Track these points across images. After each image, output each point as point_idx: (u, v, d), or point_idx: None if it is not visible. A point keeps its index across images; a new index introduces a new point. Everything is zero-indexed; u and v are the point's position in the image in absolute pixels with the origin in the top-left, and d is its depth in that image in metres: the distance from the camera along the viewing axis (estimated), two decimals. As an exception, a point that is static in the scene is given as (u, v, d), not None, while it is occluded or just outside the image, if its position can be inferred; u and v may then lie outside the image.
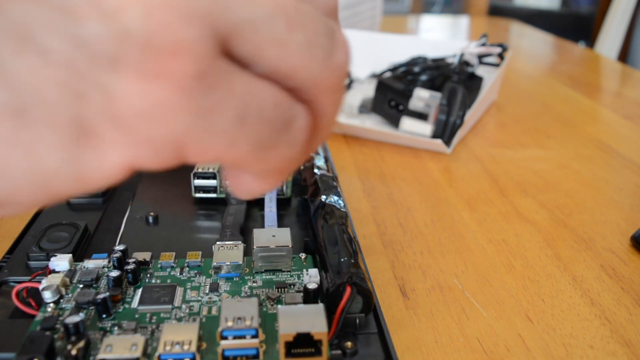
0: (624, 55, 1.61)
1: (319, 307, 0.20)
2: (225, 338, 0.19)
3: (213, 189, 0.31)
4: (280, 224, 0.28)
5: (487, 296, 0.27)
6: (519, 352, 0.23)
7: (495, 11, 2.05)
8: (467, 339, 0.24)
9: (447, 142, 0.43)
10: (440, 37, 1.02)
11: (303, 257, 0.25)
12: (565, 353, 0.23)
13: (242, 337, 0.19)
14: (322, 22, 0.15)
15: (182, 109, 0.12)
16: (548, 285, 0.28)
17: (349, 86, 0.57)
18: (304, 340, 0.19)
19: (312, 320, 0.19)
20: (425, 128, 0.43)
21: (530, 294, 0.27)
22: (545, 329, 0.25)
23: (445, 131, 0.43)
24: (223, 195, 0.31)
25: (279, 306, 0.22)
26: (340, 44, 0.15)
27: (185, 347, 0.19)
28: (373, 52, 0.61)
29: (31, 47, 0.12)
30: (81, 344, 0.19)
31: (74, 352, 0.19)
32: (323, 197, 0.28)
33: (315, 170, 0.31)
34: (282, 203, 0.31)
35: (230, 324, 0.19)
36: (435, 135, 0.43)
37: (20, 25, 0.12)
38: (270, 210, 0.29)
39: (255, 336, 0.19)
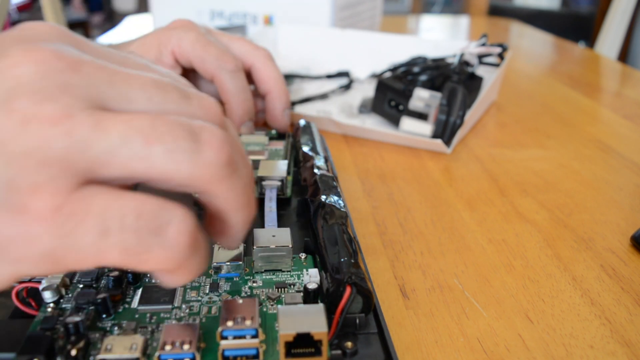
0: (624, 55, 1.62)
1: (319, 307, 0.20)
2: (225, 338, 0.19)
3: None
4: (280, 224, 0.28)
5: (487, 296, 0.27)
6: (519, 352, 0.23)
7: (495, 11, 2.05)
8: (467, 339, 0.24)
9: (447, 142, 0.43)
10: (440, 37, 1.02)
11: (303, 257, 0.25)
12: (565, 353, 0.23)
13: (242, 337, 0.19)
14: (182, 128, 0.17)
15: (45, 234, 0.15)
16: (548, 285, 0.28)
17: (348, 86, 0.57)
18: (304, 340, 0.19)
19: (312, 320, 0.19)
20: (425, 128, 0.43)
21: (530, 294, 0.27)
22: (545, 329, 0.25)
23: (445, 131, 0.43)
24: None
25: (279, 306, 0.22)
26: (206, 142, 0.17)
27: (185, 347, 0.19)
28: (373, 52, 0.61)
29: None
30: (81, 344, 0.19)
31: (73, 352, 0.19)
32: (323, 197, 0.28)
33: (315, 170, 0.31)
34: (282, 203, 0.31)
35: (230, 324, 0.19)
36: (435, 135, 0.43)
37: None
38: (270, 210, 0.29)
39: (255, 336, 0.19)
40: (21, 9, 2.89)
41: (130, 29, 0.93)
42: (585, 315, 0.26)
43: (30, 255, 0.15)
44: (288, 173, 0.32)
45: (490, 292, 0.27)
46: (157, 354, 0.19)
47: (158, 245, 0.16)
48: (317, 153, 0.33)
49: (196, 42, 0.38)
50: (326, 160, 0.33)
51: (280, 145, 0.38)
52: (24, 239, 0.15)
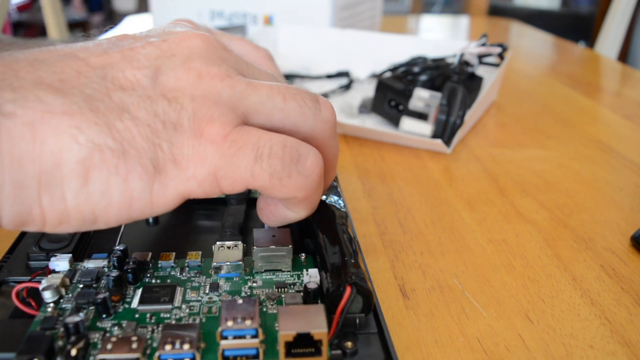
0: (624, 55, 1.61)
1: (319, 307, 0.20)
2: (226, 338, 0.19)
3: None
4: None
5: (487, 296, 0.27)
6: (519, 352, 0.23)
7: (495, 11, 2.05)
8: (467, 339, 0.24)
9: (447, 142, 0.43)
10: (440, 37, 1.02)
11: (303, 257, 0.25)
12: (565, 353, 0.23)
13: (242, 337, 0.19)
14: (307, 93, 0.23)
15: (214, 154, 0.20)
16: (548, 285, 0.28)
17: (348, 86, 0.57)
18: (304, 340, 0.19)
19: (312, 320, 0.19)
20: (425, 128, 0.43)
21: (530, 294, 0.27)
22: (545, 329, 0.25)
23: (445, 131, 0.43)
24: (223, 196, 0.31)
25: (279, 306, 0.22)
26: (323, 104, 0.23)
27: (186, 347, 0.19)
28: (373, 52, 0.61)
29: (127, 116, 0.19)
30: (81, 344, 0.19)
31: (73, 352, 0.19)
32: (323, 197, 0.28)
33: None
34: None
35: (230, 324, 0.19)
36: (435, 135, 0.43)
37: (120, 103, 0.19)
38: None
39: (255, 336, 0.19)
40: (21, 9, 2.89)
41: (130, 29, 0.93)
42: (585, 315, 0.26)
43: (200, 173, 0.20)
44: None
45: (490, 292, 0.27)
46: (157, 354, 0.19)
47: (297, 172, 0.21)
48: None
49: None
50: None
51: None
52: (199, 158, 0.20)
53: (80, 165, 0.18)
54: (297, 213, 0.23)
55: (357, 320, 0.21)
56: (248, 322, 0.19)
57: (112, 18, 3.49)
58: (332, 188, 0.29)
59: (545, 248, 0.31)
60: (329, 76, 0.60)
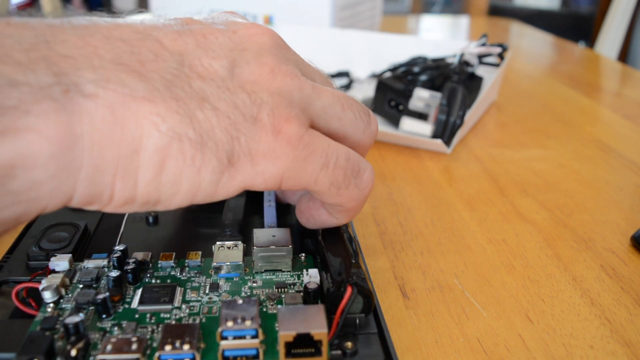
0: (624, 55, 1.61)
1: (319, 307, 0.20)
2: (226, 338, 0.19)
3: None
4: (281, 223, 0.28)
5: (487, 296, 0.27)
6: (519, 352, 0.23)
7: (495, 11, 2.05)
8: (467, 339, 0.24)
9: (447, 142, 0.43)
10: (440, 37, 1.02)
11: (303, 257, 0.25)
12: (565, 353, 0.23)
13: (242, 337, 0.19)
14: (361, 105, 0.23)
15: (288, 154, 0.20)
16: (548, 285, 0.28)
17: (348, 86, 0.57)
18: (304, 341, 0.19)
19: (312, 320, 0.19)
20: (425, 128, 0.43)
21: (530, 294, 0.27)
22: (545, 329, 0.25)
23: (445, 131, 0.43)
24: None
25: (279, 306, 0.22)
26: (373, 119, 0.24)
27: (185, 347, 0.19)
28: (373, 52, 0.61)
29: (208, 106, 0.19)
30: (81, 344, 0.19)
31: (73, 352, 0.19)
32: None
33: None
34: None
35: (230, 324, 0.19)
36: (435, 135, 0.43)
37: (200, 92, 0.19)
38: (270, 204, 0.29)
39: (255, 336, 0.19)
40: (21, 8, 2.89)
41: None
42: (585, 315, 0.26)
43: (271, 169, 0.20)
44: None
45: (490, 292, 0.27)
46: (157, 354, 0.19)
47: (355, 184, 0.22)
48: None
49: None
50: None
51: None
52: (273, 155, 0.19)
53: (158, 153, 0.18)
54: (338, 219, 0.24)
55: (357, 321, 0.21)
56: (248, 323, 0.19)
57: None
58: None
59: (545, 248, 0.31)
60: (329, 76, 0.60)
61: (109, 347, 0.19)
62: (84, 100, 0.17)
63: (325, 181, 0.21)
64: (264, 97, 0.20)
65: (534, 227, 0.33)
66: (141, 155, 0.17)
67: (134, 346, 0.19)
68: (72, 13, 0.20)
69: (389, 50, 0.60)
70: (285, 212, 0.31)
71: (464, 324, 0.25)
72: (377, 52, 0.61)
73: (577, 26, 1.98)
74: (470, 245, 0.31)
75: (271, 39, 0.22)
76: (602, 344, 0.24)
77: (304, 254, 0.25)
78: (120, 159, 0.17)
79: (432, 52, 0.56)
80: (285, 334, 0.19)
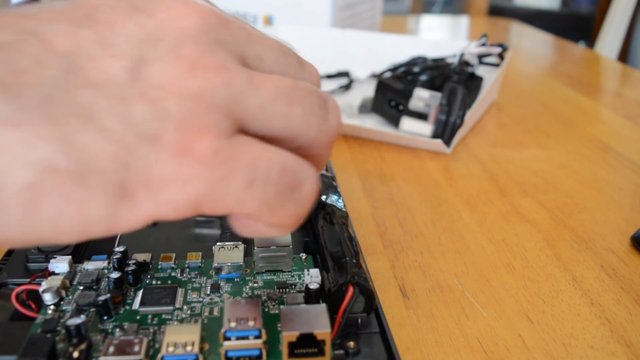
0: (624, 55, 1.61)
1: (322, 307, 0.20)
2: (229, 339, 0.19)
3: None
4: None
5: (487, 296, 0.27)
6: (519, 352, 0.23)
7: (495, 11, 2.05)
8: (467, 339, 0.24)
9: (447, 142, 0.43)
10: (440, 37, 1.02)
11: (304, 257, 0.25)
12: (565, 353, 0.23)
13: (246, 337, 0.19)
14: (316, 95, 0.19)
15: (202, 176, 0.16)
16: (548, 285, 0.28)
17: (348, 86, 0.57)
18: (306, 341, 0.19)
19: (315, 320, 0.19)
20: (425, 128, 0.43)
21: (530, 294, 0.27)
22: (545, 329, 0.25)
23: (445, 131, 0.43)
24: None
25: (282, 307, 0.22)
26: (332, 110, 0.19)
27: (188, 348, 0.19)
28: (373, 52, 0.61)
29: (92, 126, 0.15)
30: (83, 346, 0.19)
31: (75, 354, 0.19)
32: (323, 197, 0.28)
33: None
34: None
35: (233, 324, 0.19)
36: (435, 135, 0.43)
37: (85, 108, 0.15)
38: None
39: (258, 337, 0.19)
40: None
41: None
42: (585, 315, 0.26)
43: (180, 198, 0.16)
44: None
45: (490, 292, 0.27)
46: (160, 355, 0.19)
47: (292, 201, 0.17)
48: None
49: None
50: None
51: None
52: (180, 180, 0.15)
53: (25, 192, 0.14)
54: (277, 232, 0.19)
55: (359, 320, 0.22)
56: (251, 323, 0.19)
57: (112, 18, 3.48)
58: (332, 188, 0.29)
59: (545, 248, 0.31)
60: (329, 76, 0.60)
61: (111, 348, 0.19)
62: None
63: (253, 202, 0.16)
64: (170, 107, 0.16)
65: (534, 227, 0.33)
66: (4, 194, 0.14)
67: (137, 347, 0.19)
68: None
69: (389, 50, 0.60)
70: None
71: (464, 324, 0.25)
72: (377, 52, 0.61)
73: (577, 26, 1.98)
74: (470, 245, 0.31)
75: (199, 20, 0.17)
76: (602, 344, 0.24)
77: (304, 254, 0.26)
78: None
79: (432, 52, 0.56)
80: (289, 334, 0.19)
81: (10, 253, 0.26)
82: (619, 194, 0.37)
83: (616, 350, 0.23)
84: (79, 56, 0.15)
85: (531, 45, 0.94)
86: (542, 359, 0.23)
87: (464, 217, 0.34)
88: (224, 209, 0.16)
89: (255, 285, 0.24)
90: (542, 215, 0.35)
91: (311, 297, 0.22)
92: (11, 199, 0.14)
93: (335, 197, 0.28)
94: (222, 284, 0.24)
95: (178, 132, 0.15)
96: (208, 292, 0.23)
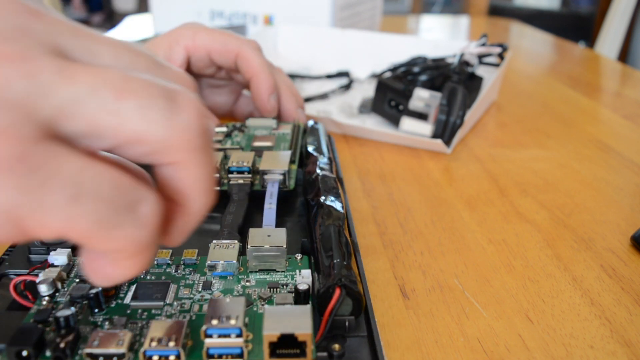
0: (624, 55, 1.61)
1: (306, 308, 0.20)
2: (210, 336, 0.19)
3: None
4: (282, 223, 0.28)
5: (487, 296, 0.27)
6: (519, 352, 0.23)
7: (495, 11, 2.05)
8: (467, 339, 0.24)
9: (447, 142, 0.43)
10: (440, 37, 1.01)
11: (299, 258, 0.25)
12: (565, 353, 0.23)
13: (227, 336, 0.19)
14: (156, 86, 0.15)
15: (8, 185, 0.13)
16: (548, 285, 0.28)
17: (348, 86, 0.57)
18: (289, 341, 0.19)
19: (297, 321, 0.19)
20: (425, 128, 0.43)
21: (530, 294, 0.27)
22: (545, 329, 0.24)
23: (445, 131, 0.43)
24: (225, 188, 0.31)
25: (266, 306, 0.21)
26: (183, 104, 0.16)
27: (171, 343, 0.19)
28: (373, 52, 0.61)
29: None
30: (70, 337, 0.19)
31: (62, 345, 0.19)
32: (322, 198, 0.27)
33: (318, 170, 0.31)
34: (286, 195, 0.31)
35: (215, 322, 0.19)
36: (435, 135, 0.43)
37: None
38: (270, 207, 0.29)
39: (239, 335, 0.19)
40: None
41: (130, 29, 0.93)
42: (585, 315, 0.25)
43: None
44: (292, 162, 0.32)
45: (490, 292, 0.27)
46: (142, 349, 0.18)
47: (130, 222, 0.15)
48: (321, 153, 0.33)
49: (214, 31, 0.39)
50: (330, 160, 0.33)
51: (287, 129, 0.37)
52: None
53: None
54: (125, 272, 0.16)
55: (347, 323, 0.21)
56: (232, 322, 0.19)
57: (112, 18, 3.49)
58: (332, 189, 0.29)
59: (545, 248, 0.31)
60: (329, 76, 0.60)
61: (96, 341, 0.19)
62: None
63: (85, 220, 0.14)
64: None
65: (534, 227, 0.33)
66: None
67: (121, 341, 0.19)
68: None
69: (389, 50, 0.60)
70: (286, 214, 0.31)
71: (464, 324, 0.25)
72: (377, 52, 0.61)
73: (577, 26, 1.98)
74: (470, 245, 0.31)
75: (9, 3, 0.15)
76: (602, 344, 0.24)
77: (300, 255, 0.25)
78: None
79: (432, 52, 0.56)
80: (269, 334, 0.19)
81: (14, 244, 0.26)
82: (619, 194, 0.37)
83: (616, 350, 0.23)
84: None
85: (531, 45, 0.94)
86: (542, 359, 0.23)
87: (464, 217, 0.34)
88: (53, 226, 0.14)
89: (247, 284, 0.23)
90: (542, 215, 0.34)
91: (300, 297, 0.22)
92: None
93: (334, 197, 0.28)
94: (214, 281, 0.23)
95: None
96: (200, 289, 0.23)
